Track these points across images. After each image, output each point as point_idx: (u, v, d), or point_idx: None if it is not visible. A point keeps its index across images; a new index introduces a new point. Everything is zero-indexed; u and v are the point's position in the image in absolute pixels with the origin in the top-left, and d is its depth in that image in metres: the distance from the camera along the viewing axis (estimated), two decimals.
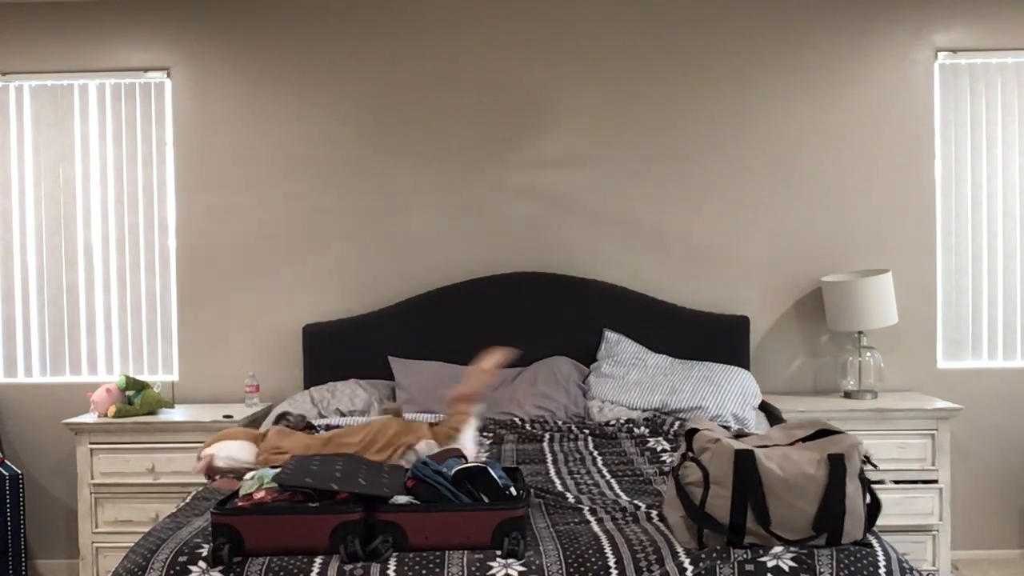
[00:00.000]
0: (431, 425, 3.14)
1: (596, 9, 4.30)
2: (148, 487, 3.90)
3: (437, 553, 2.20)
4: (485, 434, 3.53)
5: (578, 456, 3.26)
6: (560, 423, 3.67)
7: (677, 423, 3.58)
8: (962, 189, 4.31)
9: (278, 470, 2.42)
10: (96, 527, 3.92)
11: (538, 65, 4.31)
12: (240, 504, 2.32)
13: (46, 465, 4.38)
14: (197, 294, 4.38)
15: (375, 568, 2.14)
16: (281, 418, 3.36)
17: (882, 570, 2.11)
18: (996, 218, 4.31)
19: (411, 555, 2.20)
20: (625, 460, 3.16)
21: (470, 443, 3.03)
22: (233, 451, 3.04)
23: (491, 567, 2.14)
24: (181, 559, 2.19)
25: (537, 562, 2.16)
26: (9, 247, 4.41)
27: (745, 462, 2.16)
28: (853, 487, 2.15)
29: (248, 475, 2.54)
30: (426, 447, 2.94)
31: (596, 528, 2.38)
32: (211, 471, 3.01)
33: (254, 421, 4.08)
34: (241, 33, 4.34)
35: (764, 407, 4.04)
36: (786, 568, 2.11)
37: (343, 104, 4.34)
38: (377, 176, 4.35)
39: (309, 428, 3.39)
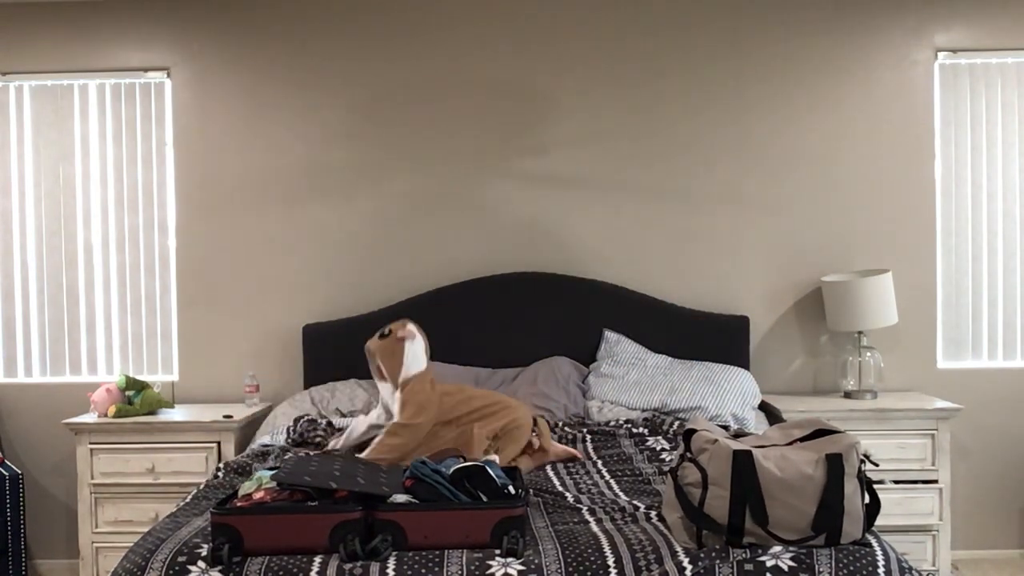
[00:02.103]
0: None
1: (596, 11, 4.30)
2: (148, 487, 3.90)
3: (436, 552, 2.20)
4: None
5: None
6: (560, 423, 3.67)
7: (676, 423, 3.58)
8: (962, 189, 4.31)
9: (276, 471, 2.42)
10: (96, 527, 3.92)
11: (538, 66, 4.31)
12: (239, 504, 2.33)
13: (46, 465, 4.38)
14: (197, 294, 4.38)
15: (374, 567, 2.14)
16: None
17: (881, 570, 2.12)
18: (996, 218, 4.31)
19: (410, 554, 2.20)
20: (624, 460, 3.16)
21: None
22: (420, 357, 3.15)
23: (490, 566, 2.15)
24: (180, 559, 2.19)
25: (536, 561, 2.16)
26: (9, 247, 4.42)
27: (743, 463, 2.16)
28: (851, 487, 2.16)
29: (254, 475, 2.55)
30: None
31: (595, 528, 2.38)
32: (396, 342, 3.10)
33: (253, 421, 4.09)
34: (241, 33, 4.35)
35: (764, 407, 4.04)
36: (785, 568, 2.11)
37: (343, 104, 4.34)
38: (377, 176, 4.35)
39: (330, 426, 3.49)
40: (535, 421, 3.22)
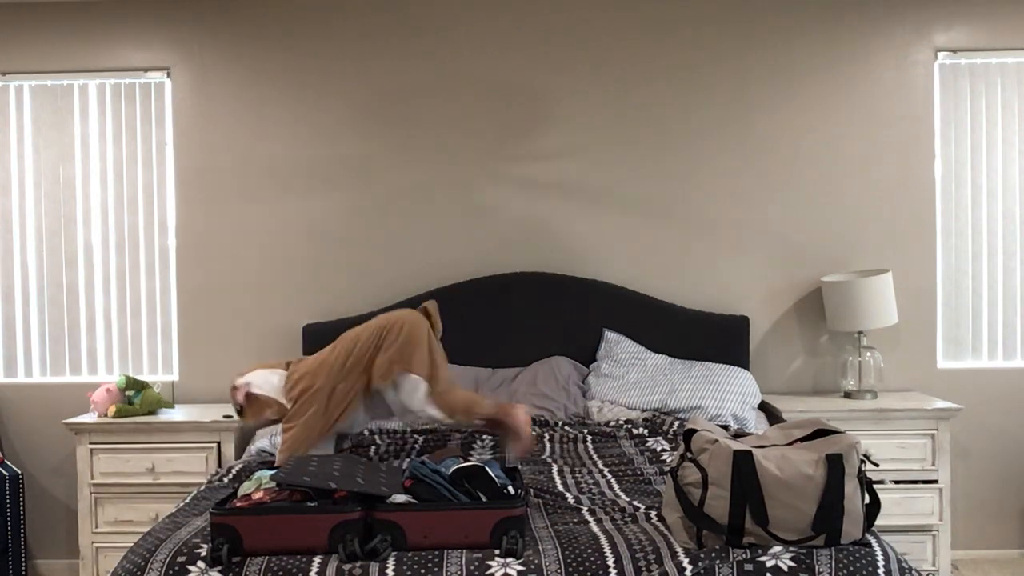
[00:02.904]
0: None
1: (597, 11, 4.30)
2: (148, 487, 3.90)
3: (436, 552, 2.20)
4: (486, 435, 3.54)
5: (578, 456, 3.25)
6: (560, 423, 3.67)
7: (676, 423, 3.58)
8: (962, 189, 4.31)
9: (276, 471, 2.42)
10: (96, 527, 3.92)
11: (539, 66, 4.31)
12: (239, 504, 2.33)
13: (46, 465, 4.38)
14: (197, 294, 4.38)
15: (374, 567, 2.14)
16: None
17: (881, 570, 2.12)
18: (996, 218, 4.31)
19: (410, 554, 2.20)
20: (625, 460, 3.16)
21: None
22: (270, 378, 3.09)
23: (490, 566, 2.14)
24: (180, 559, 2.19)
25: (536, 561, 2.16)
26: (9, 247, 4.41)
27: (743, 463, 2.16)
28: (851, 487, 2.16)
29: (254, 475, 2.55)
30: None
31: (595, 528, 2.38)
32: (248, 401, 3.05)
33: None
34: (241, 33, 4.34)
35: (764, 407, 4.04)
36: (785, 568, 2.11)
37: (343, 104, 4.34)
38: (377, 176, 4.35)
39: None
40: (427, 314, 3.12)
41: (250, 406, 3.10)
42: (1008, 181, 4.30)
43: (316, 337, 4.21)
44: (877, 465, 2.45)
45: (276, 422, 3.22)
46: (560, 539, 2.30)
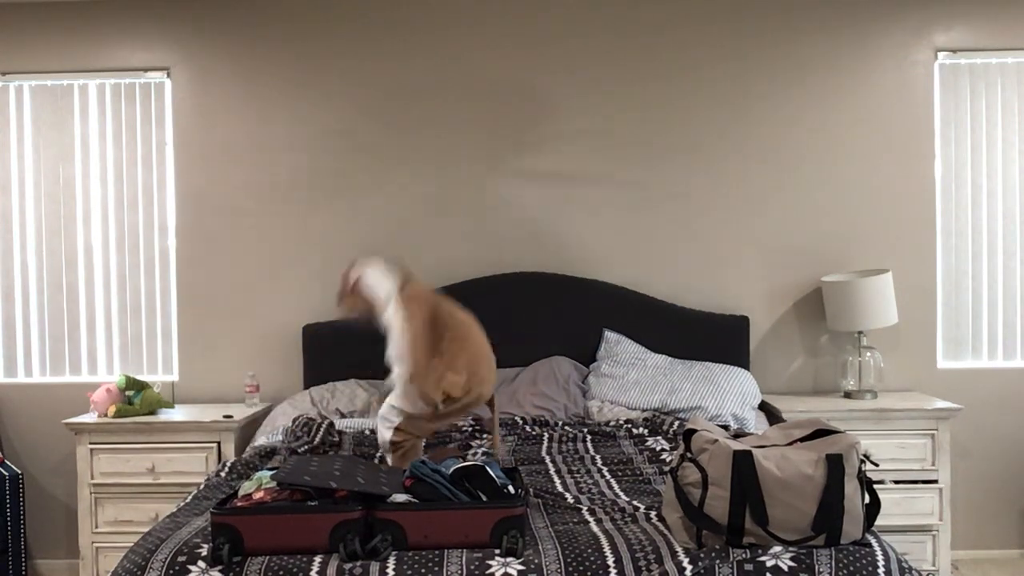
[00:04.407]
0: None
1: (598, 12, 4.31)
2: (148, 487, 3.90)
3: (436, 552, 2.20)
4: (485, 435, 3.54)
5: (577, 456, 3.25)
6: (560, 423, 3.67)
7: (676, 423, 3.58)
8: (962, 189, 4.32)
9: (275, 471, 2.42)
10: (96, 527, 3.92)
11: (540, 67, 4.31)
12: (239, 504, 2.33)
13: (46, 465, 4.38)
14: (197, 294, 4.38)
15: (374, 567, 2.14)
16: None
17: (881, 570, 2.12)
18: (996, 218, 4.31)
19: (410, 554, 2.20)
20: (624, 460, 3.16)
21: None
22: (383, 282, 3.00)
23: (490, 565, 2.15)
24: (180, 559, 2.19)
25: (536, 561, 2.16)
26: (9, 247, 4.42)
27: (743, 463, 2.16)
28: (852, 487, 2.16)
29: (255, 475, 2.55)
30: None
31: (595, 528, 2.38)
32: (354, 294, 2.99)
33: (253, 421, 4.09)
34: (241, 33, 4.35)
35: (764, 407, 4.05)
36: (785, 568, 2.11)
37: (343, 105, 4.34)
38: (377, 176, 4.35)
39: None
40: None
41: (351, 296, 3.02)
42: (1008, 181, 4.31)
43: (316, 337, 4.22)
44: (877, 465, 2.45)
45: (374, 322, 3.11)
46: (560, 539, 2.30)
